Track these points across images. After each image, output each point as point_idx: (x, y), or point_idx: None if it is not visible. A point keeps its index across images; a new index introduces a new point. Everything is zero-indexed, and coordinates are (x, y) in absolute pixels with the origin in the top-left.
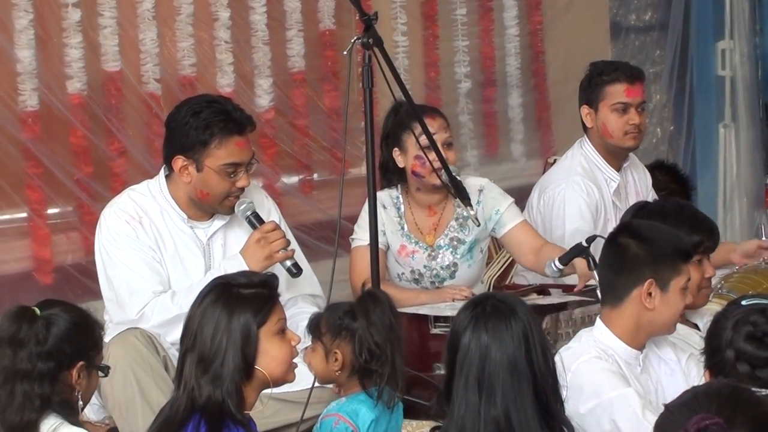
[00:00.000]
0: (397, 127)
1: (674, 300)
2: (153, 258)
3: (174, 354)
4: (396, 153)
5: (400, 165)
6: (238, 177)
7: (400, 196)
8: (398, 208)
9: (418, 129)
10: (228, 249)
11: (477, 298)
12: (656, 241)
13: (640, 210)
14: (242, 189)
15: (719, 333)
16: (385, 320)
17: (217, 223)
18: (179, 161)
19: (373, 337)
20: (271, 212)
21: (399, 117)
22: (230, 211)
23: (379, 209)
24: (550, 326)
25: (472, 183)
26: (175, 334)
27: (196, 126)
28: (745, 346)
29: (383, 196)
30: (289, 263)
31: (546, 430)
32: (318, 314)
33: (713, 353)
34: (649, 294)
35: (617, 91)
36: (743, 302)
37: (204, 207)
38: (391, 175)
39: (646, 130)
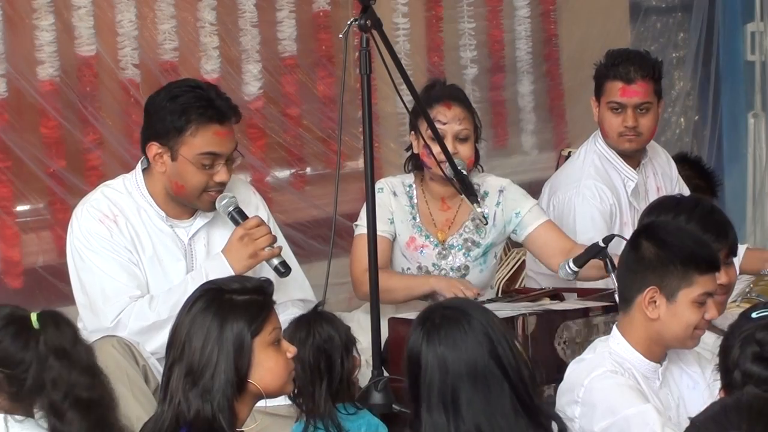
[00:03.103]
0: (415, 110)
1: (683, 312)
2: (129, 260)
3: (154, 363)
4: (412, 137)
5: (415, 150)
6: (216, 170)
7: (414, 184)
8: (410, 197)
9: (430, 114)
10: (212, 249)
11: (424, 312)
12: (669, 245)
13: (653, 209)
14: (222, 184)
15: (728, 351)
16: (303, 352)
17: (200, 221)
18: (153, 148)
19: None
20: (258, 209)
21: (423, 98)
22: (210, 207)
23: (389, 196)
24: (577, 333)
25: (492, 183)
26: (154, 342)
27: (172, 110)
28: (752, 368)
29: (395, 182)
30: (276, 261)
31: (532, 427)
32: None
33: (725, 372)
34: (654, 302)
35: (613, 90)
36: (753, 314)
37: (181, 201)
38: (412, 160)
39: (650, 131)
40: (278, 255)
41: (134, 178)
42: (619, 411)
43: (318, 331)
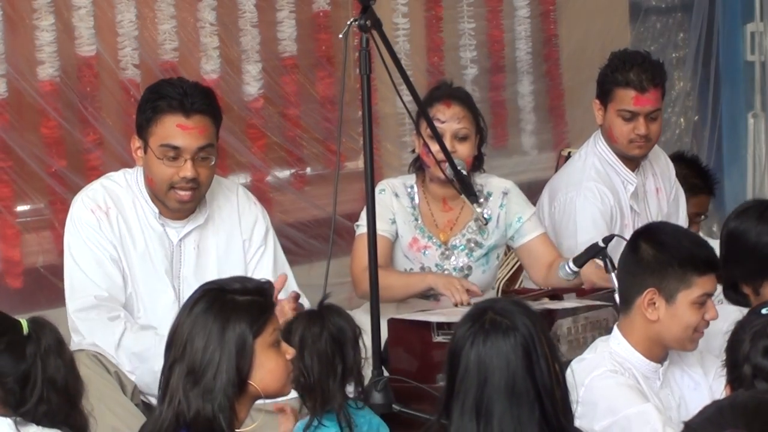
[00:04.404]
0: (417, 110)
1: (682, 314)
2: (111, 257)
3: (126, 370)
4: (414, 137)
5: (416, 150)
6: (180, 165)
7: (415, 185)
8: (412, 198)
9: (429, 113)
10: (202, 253)
11: (475, 310)
12: (668, 247)
13: (741, 213)
14: (189, 181)
15: (737, 346)
16: (319, 344)
17: (192, 223)
18: (135, 142)
19: (303, 361)
20: (258, 220)
21: (425, 98)
22: (178, 206)
23: (391, 197)
24: (568, 331)
25: (496, 184)
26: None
27: (146, 101)
28: (763, 362)
29: (396, 183)
30: None
31: None
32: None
33: (733, 367)
34: (653, 304)
35: (625, 98)
36: (763, 310)
37: (158, 198)
38: (416, 161)
39: (658, 136)
40: None
41: (135, 173)
42: (620, 410)
43: (331, 322)
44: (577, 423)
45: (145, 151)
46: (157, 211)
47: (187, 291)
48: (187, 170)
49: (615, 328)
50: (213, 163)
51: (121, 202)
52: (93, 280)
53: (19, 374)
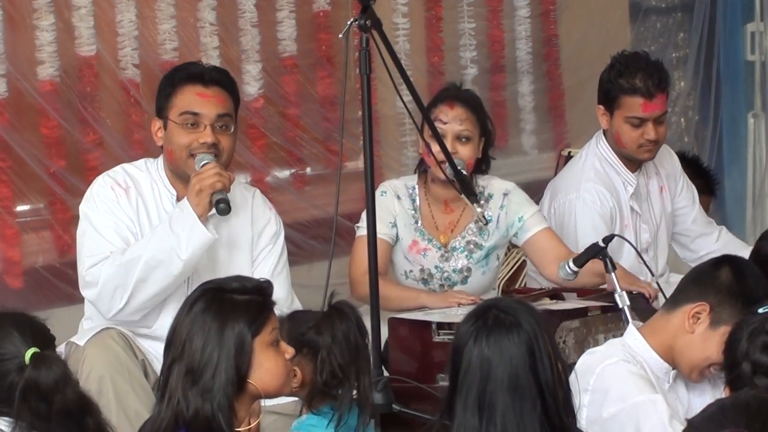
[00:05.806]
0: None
1: (713, 345)
2: (127, 227)
3: (152, 360)
4: (419, 137)
5: (418, 150)
6: (200, 131)
7: (416, 186)
8: (413, 200)
9: (432, 115)
10: (214, 242)
11: (479, 308)
12: (746, 284)
13: None
14: (210, 147)
15: (735, 345)
16: (350, 339)
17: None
18: (155, 124)
19: (336, 359)
20: (270, 222)
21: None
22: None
23: (393, 200)
24: (577, 333)
25: (497, 186)
26: (126, 278)
27: (164, 82)
28: (762, 358)
29: (398, 184)
30: (217, 197)
31: None
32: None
33: (731, 368)
34: (698, 317)
35: (633, 105)
36: (759, 310)
37: (177, 172)
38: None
39: (664, 138)
40: (220, 190)
41: (156, 160)
42: (629, 398)
43: (353, 317)
44: (586, 411)
45: (166, 127)
46: (175, 194)
47: (195, 277)
48: (207, 136)
49: (631, 325)
50: (232, 131)
51: (139, 183)
52: (109, 240)
53: None
